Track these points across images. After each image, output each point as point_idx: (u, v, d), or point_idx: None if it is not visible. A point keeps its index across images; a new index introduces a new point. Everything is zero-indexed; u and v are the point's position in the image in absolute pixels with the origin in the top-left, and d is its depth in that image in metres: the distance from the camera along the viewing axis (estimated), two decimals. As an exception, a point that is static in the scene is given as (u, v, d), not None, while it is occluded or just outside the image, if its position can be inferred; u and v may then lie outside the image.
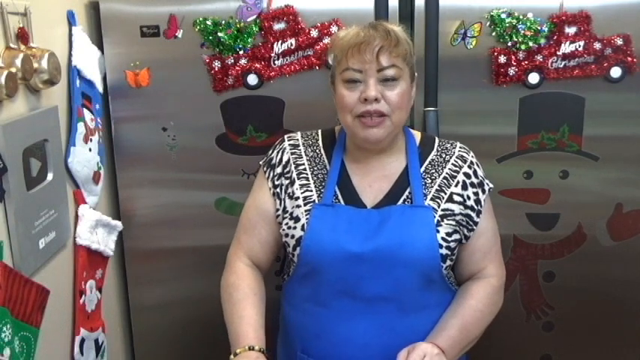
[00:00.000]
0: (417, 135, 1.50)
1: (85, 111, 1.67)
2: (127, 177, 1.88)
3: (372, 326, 1.38)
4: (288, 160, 1.47)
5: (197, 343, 2.00)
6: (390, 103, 1.34)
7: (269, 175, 1.49)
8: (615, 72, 1.77)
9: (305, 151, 1.48)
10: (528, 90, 1.80)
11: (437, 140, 1.50)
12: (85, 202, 1.66)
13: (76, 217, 1.64)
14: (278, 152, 1.50)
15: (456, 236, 1.40)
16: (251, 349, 1.35)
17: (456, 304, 1.43)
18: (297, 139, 1.51)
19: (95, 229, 1.67)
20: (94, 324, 1.69)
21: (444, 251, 1.37)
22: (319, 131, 1.53)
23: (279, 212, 1.45)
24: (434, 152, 1.47)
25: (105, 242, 1.72)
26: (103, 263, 1.73)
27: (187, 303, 1.97)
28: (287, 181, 1.45)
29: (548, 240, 1.91)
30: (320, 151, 1.48)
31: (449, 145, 1.49)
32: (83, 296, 1.63)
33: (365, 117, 1.34)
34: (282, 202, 1.45)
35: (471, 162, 1.47)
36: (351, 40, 1.35)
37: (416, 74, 1.44)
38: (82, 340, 1.63)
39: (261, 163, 1.54)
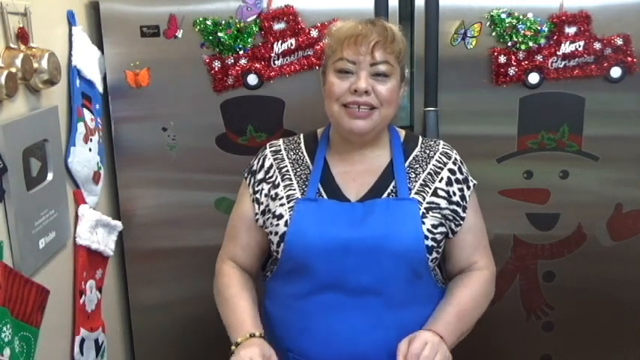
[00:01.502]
0: (402, 132, 1.53)
1: (85, 111, 1.67)
2: (127, 177, 1.88)
3: (360, 321, 1.38)
4: (271, 165, 1.49)
5: (197, 343, 2.00)
6: (380, 97, 1.36)
7: (250, 181, 1.50)
8: (615, 72, 1.77)
9: (287, 155, 1.49)
10: (528, 90, 1.80)
11: (420, 138, 1.52)
12: (85, 202, 1.66)
13: (76, 217, 1.63)
14: (259, 159, 1.51)
15: (441, 229, 1.40)
16: (252, 336, 1.35)
17: (450, 294, 1.44)
18: (279, 145, 1.52)
19: (95, 229, 1.67)
20: (94, 324, 1.69)
21: (429, 243, 1.37)
22: (301, 135, 1.55)
23: (258, 216, 1.46)
24: (418, 148, 1.48)
25: (105, 242, 1.72)
26: (103, 263, 1.73)
27: (187, 303, 1.97)
28: (269, 186, 1.46)
29: (548, 240, 1.91)
30: (302, 153, 1.49)
31: (432, 142, 1.51)
32: (83, 296, 1.63)
33: (351, 107, 1.36)
34: (261, 205, 1.46)
35: (455, 159, 1.48)
36: (348, 31, 1.37)
37: (406, 76, 1.45)
38: (82, 340, 1.63)
39: (243, 170, 1.55)
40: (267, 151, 1.52)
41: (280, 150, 1.51)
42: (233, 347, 1.36)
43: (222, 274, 1.51)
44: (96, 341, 1.69)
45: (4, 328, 1.20)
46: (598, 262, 1.91)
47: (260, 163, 1.50)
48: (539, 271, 1.94)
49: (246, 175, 1.53)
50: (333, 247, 1.35)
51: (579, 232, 1.90)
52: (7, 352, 1.19)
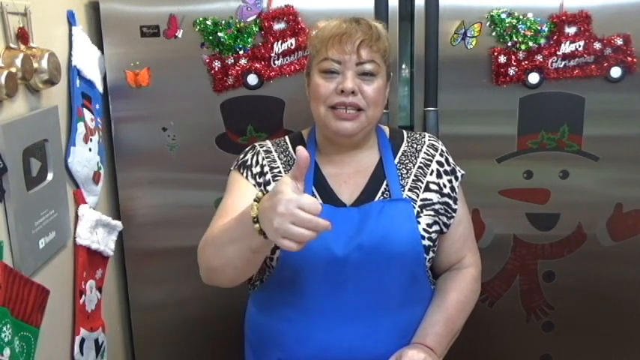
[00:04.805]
0: (386, 129, 1.51)
1: (85, 111, 1.67)
2: (127, 177, 1.88)
3: (358, 328, 1.35)
4: (264, 163, 1.43)
5: (197, 343, 2.00)
6: (367, 97, 1.34)
7: (247, 174, 1.42)
8: (615, 72, 1.77)
9: (278, 156, 1.45)
10: (528, 90, 1.80)
11: (405, 132, 1.51)
12: (85, 202, 1.66)
13: (76, 217, 1.64)
14: (253, 155, 1.45)
15: (436, 227, 1.40)
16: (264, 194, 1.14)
17: (438, 299, 1.43)
18: (269, 146, 1.48)
19: (95, 229, 1.67)
20: (94, 324, 1.69)
21: (426, 242, 1.36)
22: (286, 137, 1.51)
23: None
24: (405, 144, 1.47)
25: (105, 242, 1.72)
26: (103, 263, 1.73)
27: (187, 303, 1.97)
28: (263, 182, 1.41)
29: (548, 240, 1.91)
30: (291, 156, 1.45)
31: (418, 135, 1.50)
32: (83, 296, 1.63)
33: (338, 109, 1.34)
34: None
35: (442, 150, 1.48)
36: (332, 30, 1.35)
37: (391, 74, 1.44)
38: (82, 340, 1.63)
39: (231, 168, 1.47)
40: (259, 148, 1.46)
41: (271, 151, 1.46)
42: (254, 203, 1.13)
43: (207, 239, 1.34)
44: (96, 341, 1.69)
45: (4, 328, 1.20)
46: (598, 262, 1.91)
47: (254, 159, 1.44)
48: (539, 271, 1.94)
49: (241, 170, 1.44)
50: (330, 256, 1.32)
51: (579, 232, 1.90)
52: (7, 352, 1.19)
